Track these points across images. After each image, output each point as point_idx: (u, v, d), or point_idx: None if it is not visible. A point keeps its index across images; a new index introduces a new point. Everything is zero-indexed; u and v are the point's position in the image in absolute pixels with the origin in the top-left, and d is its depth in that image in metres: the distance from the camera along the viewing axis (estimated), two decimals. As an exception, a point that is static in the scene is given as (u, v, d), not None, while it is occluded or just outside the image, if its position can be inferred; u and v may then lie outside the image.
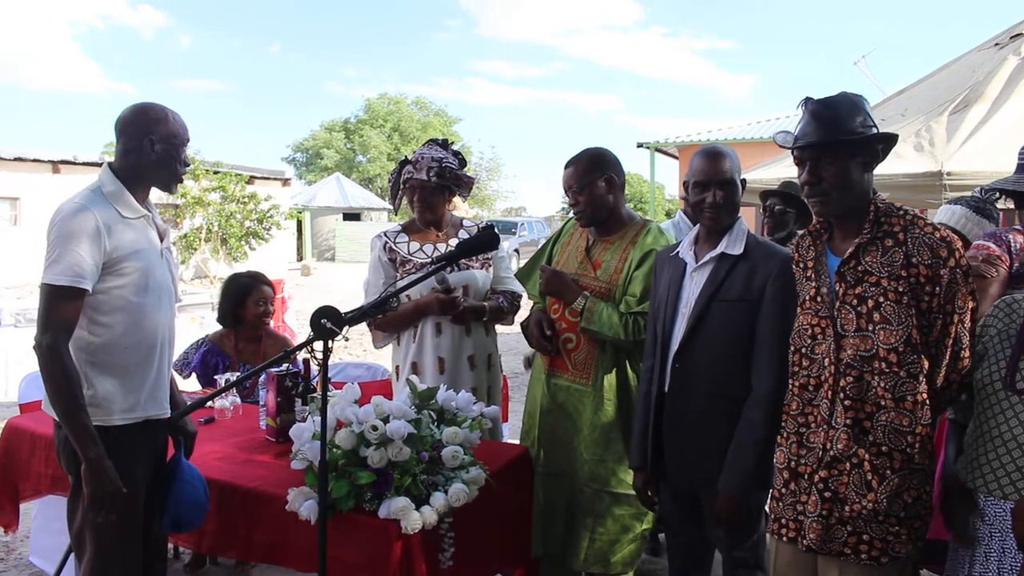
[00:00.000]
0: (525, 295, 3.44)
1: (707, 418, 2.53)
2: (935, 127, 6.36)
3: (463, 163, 3.49)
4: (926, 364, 2.08)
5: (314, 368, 3.08)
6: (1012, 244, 2.89)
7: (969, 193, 3.67)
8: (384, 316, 3.20)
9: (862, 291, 2.10)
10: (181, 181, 2.58)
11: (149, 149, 2.44)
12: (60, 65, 79.23)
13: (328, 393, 2.31)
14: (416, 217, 3.47)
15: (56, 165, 18.97)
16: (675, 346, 2.59)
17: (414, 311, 3.32)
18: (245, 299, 4.03)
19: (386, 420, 2.45)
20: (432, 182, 3.34)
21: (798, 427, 2.22)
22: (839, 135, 2.10)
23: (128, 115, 2.46)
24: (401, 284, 2.91)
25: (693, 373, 2.55)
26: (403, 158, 3.51)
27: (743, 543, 2.61)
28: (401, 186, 3.45)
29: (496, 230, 2.85)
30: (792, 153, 2.21)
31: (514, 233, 26.53)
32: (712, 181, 2.56)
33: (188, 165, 2.56)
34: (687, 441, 2.58)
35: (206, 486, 2.60)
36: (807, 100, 2.16)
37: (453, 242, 3.41)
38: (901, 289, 2.05)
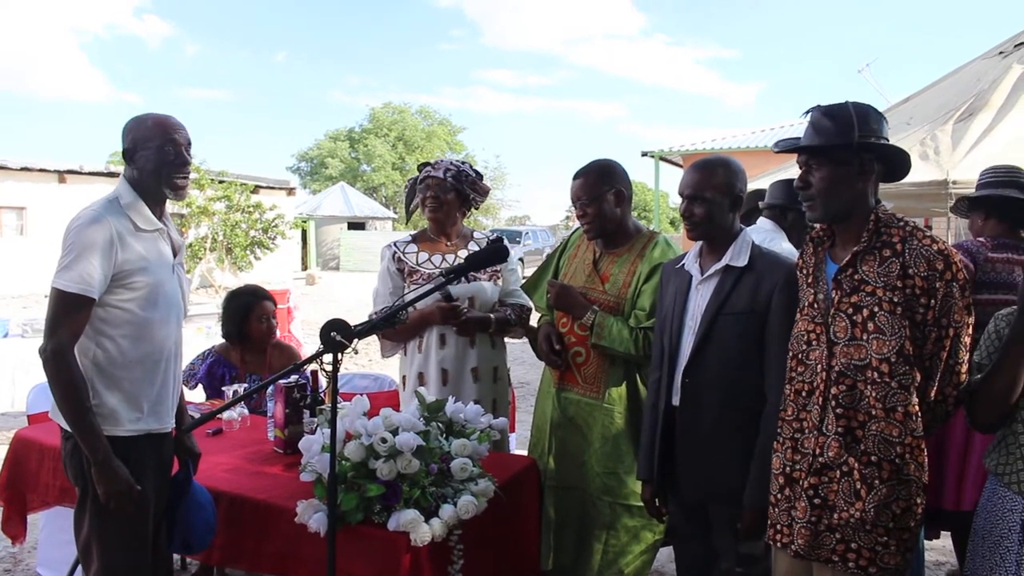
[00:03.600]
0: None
1: (718, 431, 2.52)
2: (940, 135, 6.38)
3: (480, 177, 3.54)
4: (918, 376, 2.08)
5: (322, 380, 3.08)
6: (977, 254, 3.19)
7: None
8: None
9: (858, 300, 2.10)
10: (185, 183, 2.54)
11: (146, 160, 2.45)
12: (66, 74, 79.25)
13: (337, 405, 2.31)
14: (427, 217, 3.46)
15: (62, 175, 19.03)
16: (683, 360, 2.57)
17: (419, 321, 3.31)
18: (247, 316, 4.04)
19: (395, 432, 2.45)
20: (448, 182, 3.36)
21: (793, 432, 2.23)
22: (827, 141, 2.12)
23: (125, 130, 2.49)
24: (410, 297, 2.89)
25: (703, 387, 2.53)
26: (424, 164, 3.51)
27: (755, 555, 2.59)
28: (418, 187, 3.45)
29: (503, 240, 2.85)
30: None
31: (519, 242, 26.53)
32: (690, 195, 2.55)
33: (187, 165, 2.51)
34: (699, 455, 2.56)
35: (214, 507, 2.61)
36: (816, 107, 2.18)
37: (463, 253, 3.41)
38: (896, 300, 2.05)
